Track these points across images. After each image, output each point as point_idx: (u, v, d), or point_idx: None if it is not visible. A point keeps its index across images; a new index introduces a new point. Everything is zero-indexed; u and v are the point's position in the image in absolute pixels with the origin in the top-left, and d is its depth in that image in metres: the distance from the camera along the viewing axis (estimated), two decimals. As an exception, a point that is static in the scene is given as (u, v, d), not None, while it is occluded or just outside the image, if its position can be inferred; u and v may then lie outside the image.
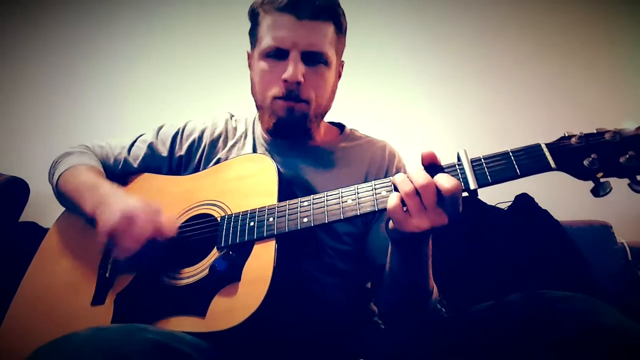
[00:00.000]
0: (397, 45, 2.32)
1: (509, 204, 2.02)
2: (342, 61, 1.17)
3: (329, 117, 1.23)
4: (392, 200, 0.76)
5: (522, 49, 2.29)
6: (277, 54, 1.02)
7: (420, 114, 2.28)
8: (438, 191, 0.73)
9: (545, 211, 1.98)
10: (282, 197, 0.93)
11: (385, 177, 1.11)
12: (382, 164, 1.14)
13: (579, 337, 0.67)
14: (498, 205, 2.03)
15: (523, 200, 2.00)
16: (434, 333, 0.89)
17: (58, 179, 1.11)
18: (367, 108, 2.23)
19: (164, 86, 2.24)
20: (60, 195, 1.11)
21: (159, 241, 0.90)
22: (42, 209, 1.10)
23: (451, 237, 1.84)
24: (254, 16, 1.08)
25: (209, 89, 2.23)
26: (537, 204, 2.00)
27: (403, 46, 2.32)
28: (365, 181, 1.08)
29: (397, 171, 1.12)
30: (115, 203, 0.94)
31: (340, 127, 1.24)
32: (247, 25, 1.11)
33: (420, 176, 0.74)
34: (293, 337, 0.93)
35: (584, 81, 2.25)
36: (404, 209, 0.75)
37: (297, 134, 1.09)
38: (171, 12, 2.32)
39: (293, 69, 0.99)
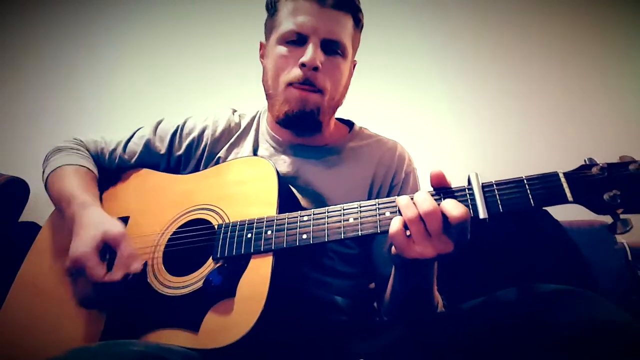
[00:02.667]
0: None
1: (510, 203, 2.00)
2: (355, 61, 1.13)
3: (339, 114, 1.19)
4: (395, 225, 0.72)
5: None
6: (296, 40, 1.00)
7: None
8: (445, 218, 0.69)
9: (545, 211, 1.96)
10: (282, 205, 0.90)
11: (393, 180, 1.09)
12: (390, 166, 1.10)
13: (577, 336, 0.65)
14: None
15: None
16: (432, 331, 0.88)
17: (47, 178, 1.08)
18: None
19: (165, 84, 2.20)
20: (48, 195, 1.08)
21: (115, 282, 0.85)
22: (42, 209, 1.09)
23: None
24: (273, 4, 1.06)
25: (212, 86, 2.18)
26: (537, 203, 1.97)
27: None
28: (372, 183, 1.07)
29: (406, 175, 1.10)
30: (84, 229, 0.90)
31: (349, 124, 1.20)
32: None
33: (426, 201, 0.70)
34: (293, 343, 0.91)
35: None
36: (407, 233, 0.71)
37: (307, 126, 1.05)
38: (172, 9, 2.27)
39: (312, 53, 0.96)
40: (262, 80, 1.09)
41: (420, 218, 0.70)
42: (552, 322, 0.67)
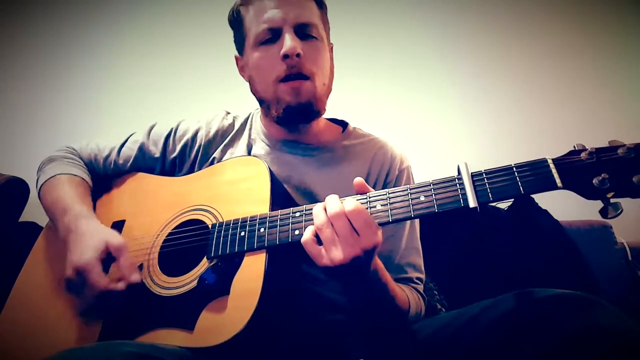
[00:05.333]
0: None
1: (509, 203, 1.99)
2: (331, 43, 1.13)
3: (333, 114, 1.20)
4: (306, 234, 0.75)
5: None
6: (270, 38, 1.00)
7: (429, 116, 2.21)
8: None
9: (545, 211, 1.96)
10: (275, 202, 0.90)
11: (387, 177, 1.10)
12: (384, 163, 1.11)
13: (570, 340, 0.64)
14: (498, 205, 1.99)
15: (523, 200, 1.97)
16: (431, 334, 0.88)
17: (40, 188, 1.09)
18: (372, 108, 2.18)
19: (161, 88, 2.21)
20: (42, 205, 1.08)
21: (116, 291, 0.85)
22: (42, 209, 1.08)
23: (451, 237, 1.82)
24: (236, 19, 1.08)
25: (204, 90, 2.20)
26: (537, 204, 1.97)
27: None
28: (367, 180, 1.05)
29: (400, 172, 1.11)
30: (85, 238, 0.90)
31: (342, 125, 1.20)
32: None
33: (333, 206, 0.73)
34: (289, 341, 0.91)
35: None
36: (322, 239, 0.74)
37: (306, 117, 1.05)
38: (166, 13, 2.29)
39: (290, 42, 0.97)
40: (252, 91, 1.09)
41: (331, 224, 0.72)
42: (551, 328, 0.67)
